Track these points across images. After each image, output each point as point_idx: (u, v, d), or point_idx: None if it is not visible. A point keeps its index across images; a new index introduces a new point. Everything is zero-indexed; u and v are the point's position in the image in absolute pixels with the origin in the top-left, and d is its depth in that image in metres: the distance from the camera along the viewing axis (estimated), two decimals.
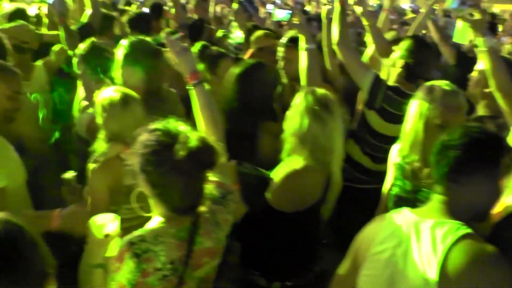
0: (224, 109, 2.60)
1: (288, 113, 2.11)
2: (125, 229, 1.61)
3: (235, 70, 2.62)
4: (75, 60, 2.87)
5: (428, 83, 2.05)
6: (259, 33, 3.62)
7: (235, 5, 5.40)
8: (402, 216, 1.49)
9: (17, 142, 2.33)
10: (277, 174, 2.07)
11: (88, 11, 3.95)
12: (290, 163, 2.07)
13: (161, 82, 2.56)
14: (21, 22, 3.48)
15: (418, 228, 1.41)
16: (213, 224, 1.54)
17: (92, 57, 2.81)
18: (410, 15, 8.64)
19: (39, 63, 3.38)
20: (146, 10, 4.97)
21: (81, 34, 3.48)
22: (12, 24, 3.44)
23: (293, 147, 2.07)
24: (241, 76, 2.56)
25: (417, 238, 1.39)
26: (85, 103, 2.86)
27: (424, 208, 1.47)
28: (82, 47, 2.87)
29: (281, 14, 2.89)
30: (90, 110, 2.74)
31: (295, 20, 2.73)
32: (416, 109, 1.99)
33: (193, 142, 1.39)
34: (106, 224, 1.60)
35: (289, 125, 2.08)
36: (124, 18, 4.26)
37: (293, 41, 2.87)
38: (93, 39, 2.94)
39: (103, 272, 1.55)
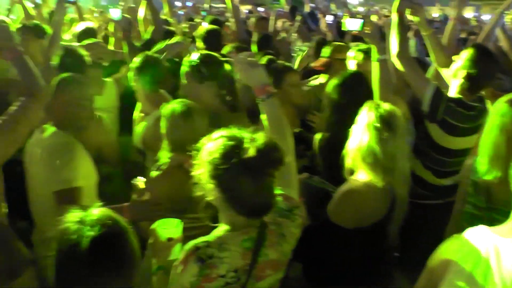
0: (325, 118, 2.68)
1: (352, 127, 2.09)
2: (185, 238, 1.64)
3: (336, 81, 2.67)
4: (131, 74, 2.92)
5: (511, 95, 1.95)
6: (339, 44, 3.71)
7: (298, 17, 5.49)
8: (479, 235, 1.40)
9: (96, 151, 2.46)
10: (340, 190, 2.06)
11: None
12: (353, 178, 2.05)
13: (236, 95, 2.54)
14: (94, 39, 3.71)
15: (497, 248, 1.32)
16: (279, 237, 1.52)
17: (146, 70, 2.85)
18: (475, 24, 8.29)
19: (110, 79, 3.48)
20: (205, 25, 5.06)
21: (143, 49, 3.54)
22: (88, 41, 3.66)
23: (355, 163, 2.04)
24: (343, 85, 2.62)
25: (497, 258, 1.30)
26: (141, 115, 2.94)
27: (504, 226, 1.37)
28: (136, 60, 2.91)
29: (351, 24, 2.82)
30: (146, 121, 2.83)
31: (367, 30, 2.69)
32: (497, 122, 1.90)
33: (260, 140, 1.39)
34: (169, 228, 1.66)
35: (352, 140, 2.06)
36: (197, 33, 4.27)
37: (366, 52, 2.84)
38: (146, 52, 2.98)
39: (164, 274, 1.58)
